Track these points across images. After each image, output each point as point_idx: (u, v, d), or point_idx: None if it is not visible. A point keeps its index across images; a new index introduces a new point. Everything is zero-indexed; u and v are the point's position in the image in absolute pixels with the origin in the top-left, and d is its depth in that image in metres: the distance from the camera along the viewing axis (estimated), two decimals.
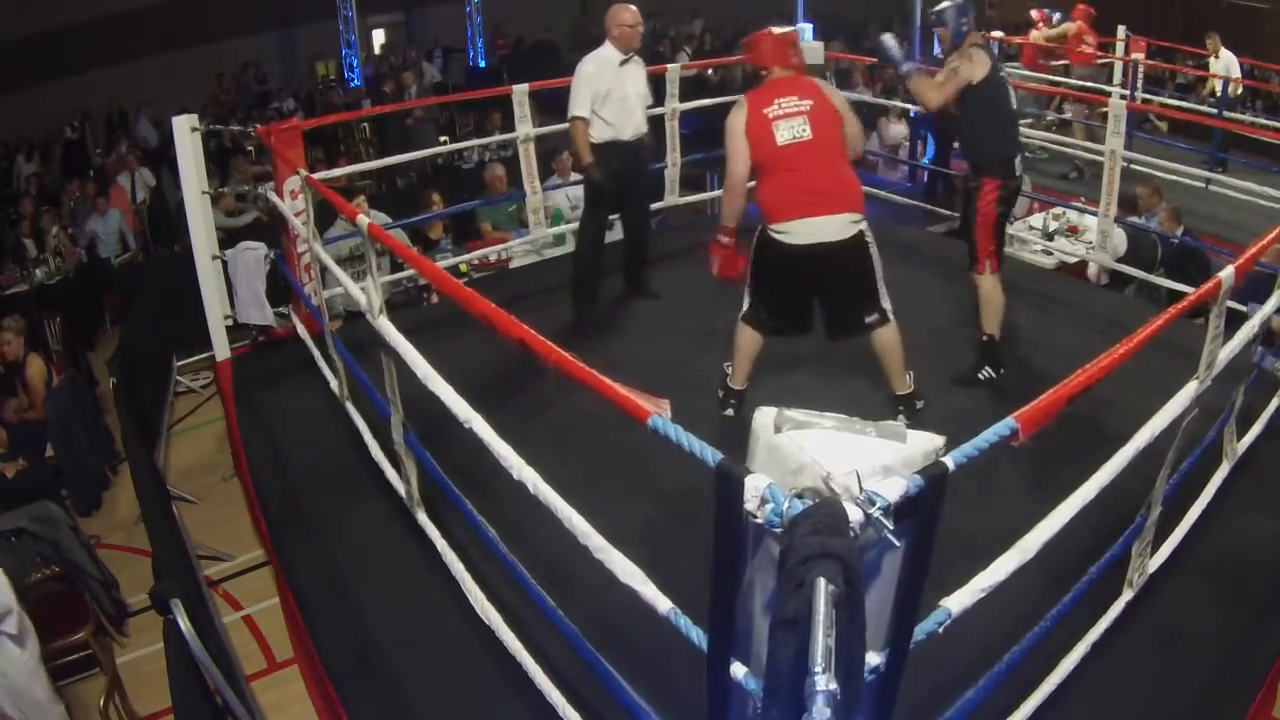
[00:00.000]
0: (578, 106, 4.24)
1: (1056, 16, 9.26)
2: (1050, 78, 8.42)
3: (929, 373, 3.99)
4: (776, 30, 3.35)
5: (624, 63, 4.30)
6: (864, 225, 3.30)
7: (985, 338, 3.88)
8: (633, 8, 4.31)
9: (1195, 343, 2.37)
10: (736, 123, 3.28)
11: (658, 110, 4.99)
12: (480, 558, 2.60)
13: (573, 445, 3.26)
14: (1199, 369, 2.31)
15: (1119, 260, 5.17)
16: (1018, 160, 3.81)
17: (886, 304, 3.38)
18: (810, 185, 3.21)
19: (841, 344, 3.91)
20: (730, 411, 3.59)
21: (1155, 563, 2.56)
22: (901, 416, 3.45)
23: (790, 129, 3.21)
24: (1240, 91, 8.52)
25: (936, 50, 3.83)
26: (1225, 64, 8.31)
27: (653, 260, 4.96)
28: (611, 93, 4.24)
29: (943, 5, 3.74)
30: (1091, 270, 5.60)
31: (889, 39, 3.82)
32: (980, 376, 3.87)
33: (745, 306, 3.48)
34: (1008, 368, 3.93)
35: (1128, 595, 2.48)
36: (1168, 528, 2.62)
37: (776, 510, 1.28)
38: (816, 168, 3.22)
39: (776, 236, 3.26)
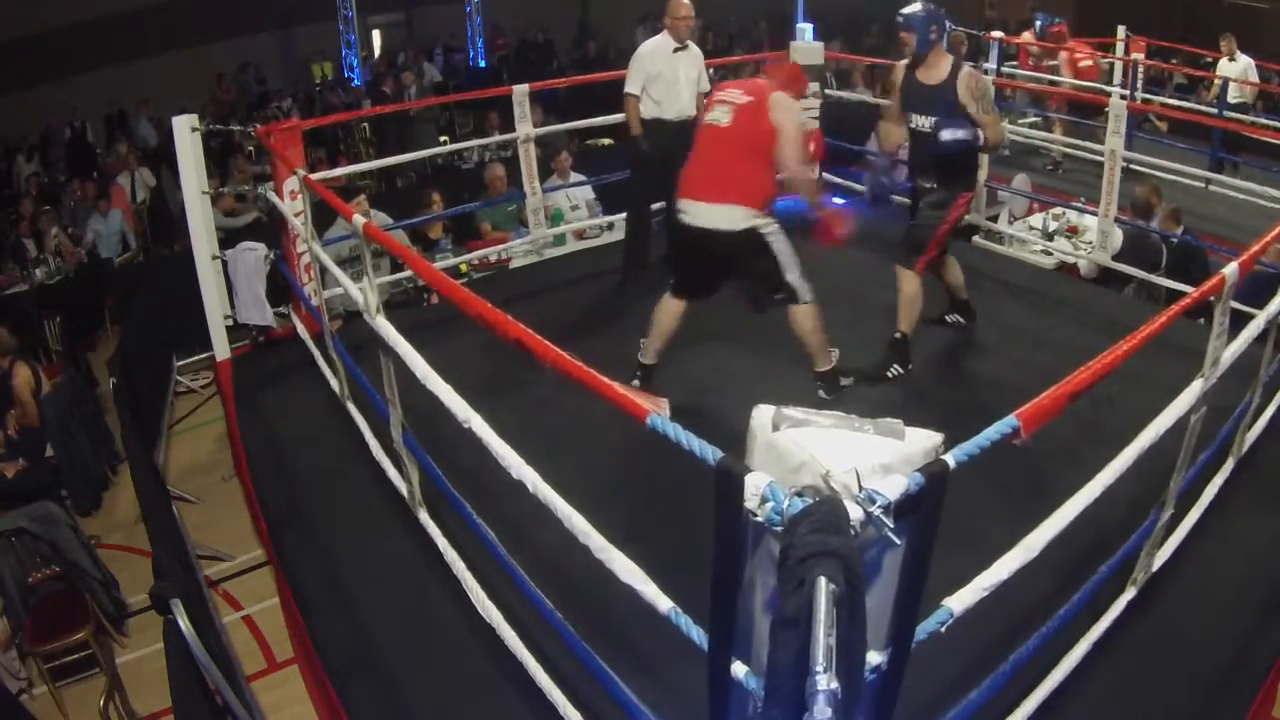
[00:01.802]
0: (629, 84, 4.72)
1: (1038, 24, 9.30)
2: (1049, 77, 8.42)
3: (927, 370, 3.99)
4: (790, 64, 3.94)
5: (677, 50, 4.68)
6: (759, 223, 3.38)
7: (898, 335, 3.86)
8: (686, 1, 4.66)
9: (1198, 342, 2.37)
10: None
11: None
12: (481, 557, 2.60)
13: (572, 444, 3.26)
14: (1204, 367, 2.31)
15: (1113, 258, 5.16)
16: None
17: (798, 286, 3.48)
18: (708, 169, 3.41)
19: (837, 345, 3.91)
20: (636, 383, 3.67)
21: (1158, 561, 2.56)
22: (821, 392, 3.66)
23: (715, 112, 3.44)
24: (1251, 96, 8.38)
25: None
26: (1243, 67, 8.16)
27: (653, 260, 4.95)
28: (662, 75, 4.65)
29: (912, 8, 3.66)
30: (1083, 266, 5.60)
31: (882, 176, 3.90)
32: (889, 374, 3.85)
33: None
34: (1008, 367, 3.93)
35: (1130, 594, 2.48)
36: (1170, 525, 2.62)
37: (777, 508, 1.27)
38: (720, 155, 3.39)
39: (677, 211, 3.48)
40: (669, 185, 4.79)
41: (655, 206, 4.93)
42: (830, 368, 3.68)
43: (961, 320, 4.33)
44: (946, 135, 3.60)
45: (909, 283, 3.84)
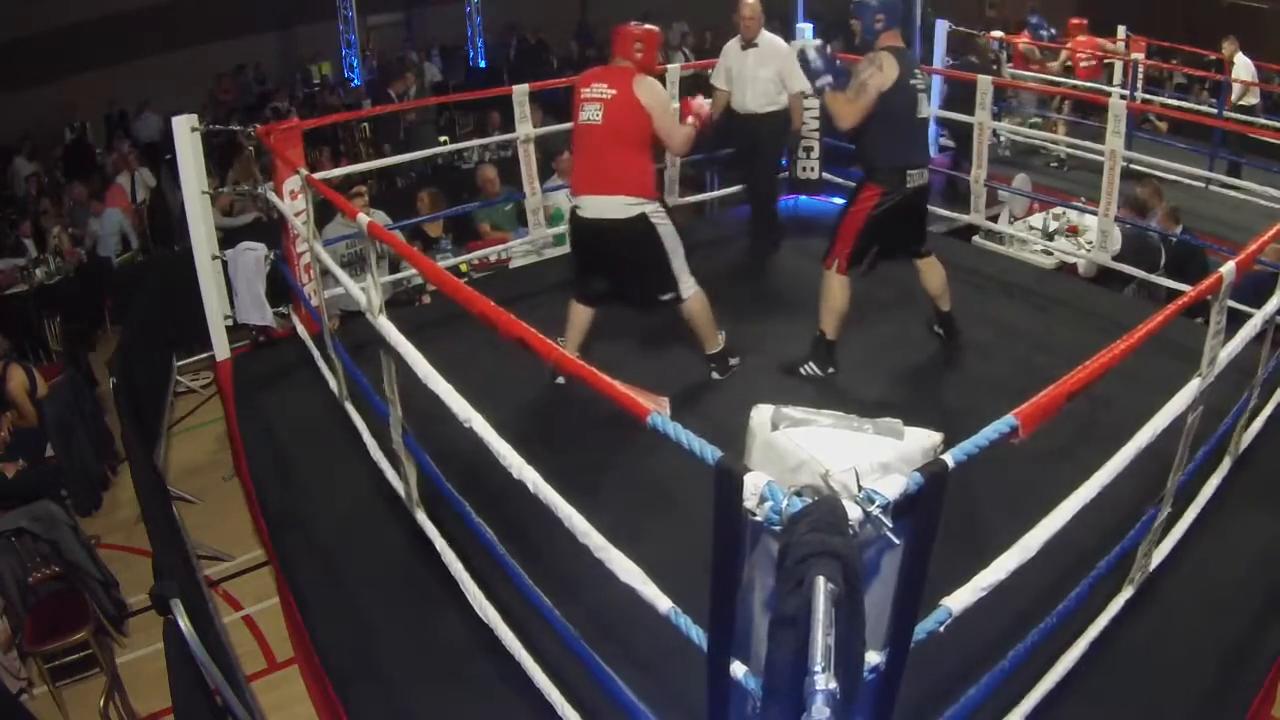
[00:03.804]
0: (713, 77, 5.24)
1: (1043, 33, 9.28)
2: (1049, 78, 8.42)
3: (928, 371, 3.99)
4: (634, 27, 3.61)
5: (746, 48, 5.00)
6: (648, 209, 3.53)
7: (818, 334, 3.82)
8: (749, 1, 4.91)
9: (1196, 342, 2.37)
10: None
11: None
12: (479, 558, 2.60)
13: (572, 444, 3.26)
14: (1201, 366, 2.31)
15: (1112, 258, 5.16)
16: (914, 172, 3.66)
17: (685, 283, 3.64)
18: (591, 165, 3.57)
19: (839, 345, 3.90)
20: (561, 380, 3.70)
21: (1155, 560, 2.56)
22: (715, 373, 3.82)
23: (587, 112, 3.56)
24: (1250, 98, 8.30)
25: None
26: (1238, 68, 8.16)
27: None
28: (733, 71, 5.07)
29: None
30: (1081, 265, 5.60)
31: (811, 49, 3.66)
32: (802, 371, 3.82)
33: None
34: (1008, 367, 3.92)
35: (1128, 592, 2.48)
36: (1168, 524, 2.62)
37: (776, 508, 1.27)
38: (599, 150, 3.54)
39: (573, 208, 3.65)
40: (742, 170, 5.47)
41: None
42: (720, 349, 3.80)
43: (941, 333, 4.14)
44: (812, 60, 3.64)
45: (826, 280, 3.77)
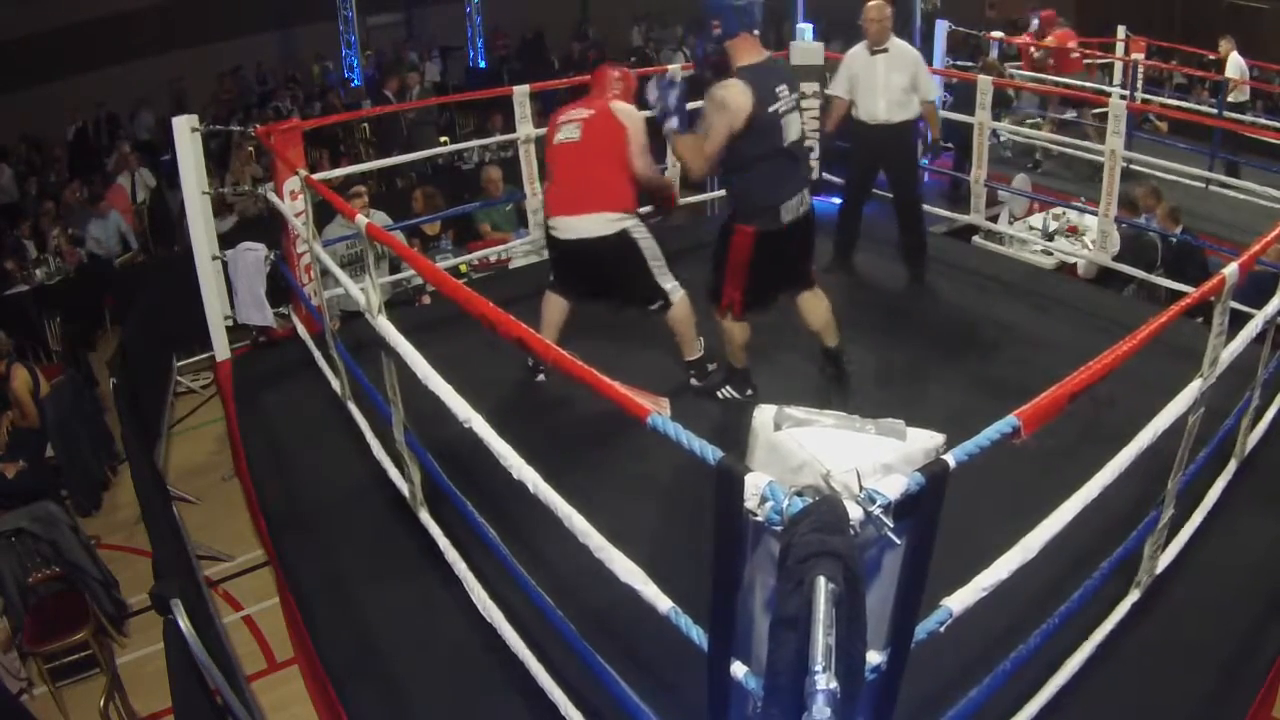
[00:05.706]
0: (832, 85, 4.94)
1: (1035, 23, 9.29)
2: (1050, 78, 8.42)
3: (929, 371, 3.99)
4: (612, 67, 3.78)
5: (876, 52, 4.67)
6: (629, 224, 3.50)
7: (729, 364, 3.65)
8: (874, 3, 4.62)
9: (1197, 342, 2.37)
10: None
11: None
12: (481, 557, 2.60)
13: (572, 444, 3.26)
14: (1203, 367, 2.31)
15: (1112, 258, 5.16)
16: (790, 204, 3.22)
17: (669, 286, 3.59)
18: (570, 183, 3.53)
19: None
20: (541, 378, 3.76)
21: (1163, 563, 2.55)
22: (694, 380, 3.75)
23: (564, 132, 3.58)
24: (1245, 96, 8.36)
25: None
26: (1230, 67, 8.20)
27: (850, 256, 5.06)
28: (859, 78, 4.73)
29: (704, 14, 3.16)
30: (1081, 266, 5.60)
31: (661, 83, 3.09)
32: (720, 395, 3.67)
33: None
34: (1008, 367, 3.92)
35: (1134, 596, 2.47)
36: (1173, 527, 2.62)
37: (776, 508, 1.27)
38: (577, 168, 3.51)
39: (549, 230, 3.63)
40: (865, 185, 5.00)
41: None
42: (699, 355, 3.74)
43: (833, 371, 3.69)
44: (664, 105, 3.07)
45: (721, 326, 3.49)
